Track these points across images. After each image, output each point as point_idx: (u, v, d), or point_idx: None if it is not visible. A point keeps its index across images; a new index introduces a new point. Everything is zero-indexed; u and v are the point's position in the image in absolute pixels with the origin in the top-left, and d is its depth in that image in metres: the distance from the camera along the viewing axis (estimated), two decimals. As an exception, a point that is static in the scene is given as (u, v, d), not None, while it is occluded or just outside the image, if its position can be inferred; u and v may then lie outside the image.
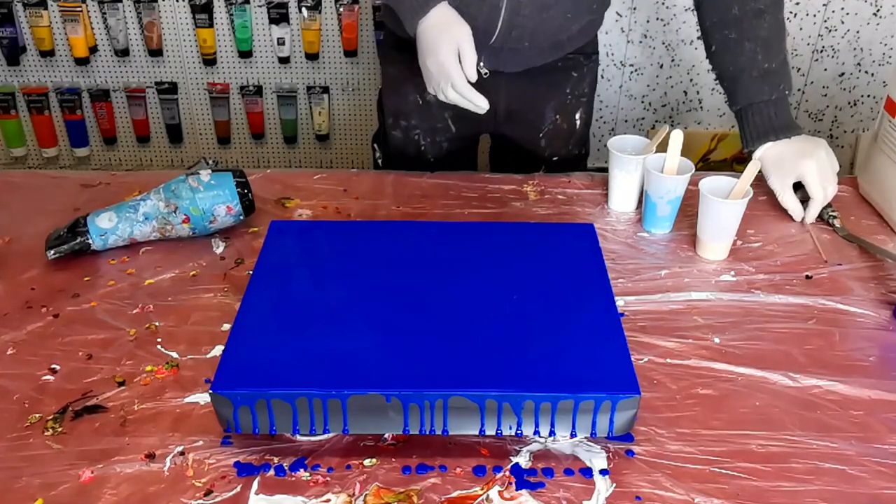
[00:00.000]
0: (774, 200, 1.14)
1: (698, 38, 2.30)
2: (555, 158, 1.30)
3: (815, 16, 2.28)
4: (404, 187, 1.16)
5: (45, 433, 0.75)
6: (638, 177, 1.08)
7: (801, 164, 1.06)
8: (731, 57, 1.11)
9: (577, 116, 1.28)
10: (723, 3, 1.10)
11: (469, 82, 1.02)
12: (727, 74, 1.13)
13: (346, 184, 1.17)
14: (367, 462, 0.72)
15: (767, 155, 1.10)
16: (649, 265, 1.00)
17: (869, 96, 2.40)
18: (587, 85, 1.28)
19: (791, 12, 2.27)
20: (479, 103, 1.03)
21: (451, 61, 1.00)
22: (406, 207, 1.11)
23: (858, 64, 2.35)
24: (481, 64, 1.14)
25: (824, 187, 1.06)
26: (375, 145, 1.37)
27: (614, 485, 0.70)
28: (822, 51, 2.33)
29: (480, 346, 0.74)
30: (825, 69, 2.36)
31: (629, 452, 0.73)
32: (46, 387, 0.80)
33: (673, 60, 2.36)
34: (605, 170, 1.13)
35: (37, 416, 0.77)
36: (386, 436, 0.74)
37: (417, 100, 1.21)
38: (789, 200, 1.08)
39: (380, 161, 1.36)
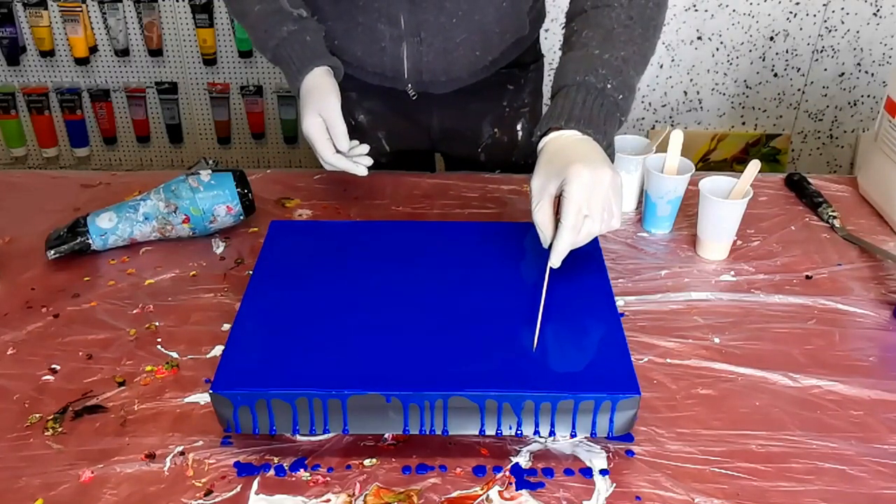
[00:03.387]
0: (774, 200, 1.14)
1: (698, 38, 2.31)
2: (497, 171, 1.23)
3: (815, 16, 2.28)
4: (404, 187, 1.16)
5: (45, 433, 0.75)
6: (638, 177, 1.08)
7: (571, 169, 0.76)
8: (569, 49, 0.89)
9: (519, 128, 1.23)
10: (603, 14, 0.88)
11: (342, 151, 0.98)
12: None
13: (346, 184, 1.17)
14: (367, 462, 0.72)
15: (548, 147, 0.82)
16: (649, 265, 1.00)
17: (869, 96, 2.40)
18: (528, 94, 1.23)
19: (791, 12, 2.27)
20: (355, 172, 0.98)
21: (315, 134, 0.96)
22: (406, 207, 1.11)
23: (858, 64, 2.35)
24: (409, 86, 1.13)
25: (584, 214, 0.76)
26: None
27: (614, 485, 0.70)
28: (822, 51, 2.33)
29: (480, 345, 0.74)
30: (825, 69, 2.36)
31: (629, 452, 0.73)
32: (46, 387, 0.80)
33: (673, 60, 2.36)
34: (605, 170, 1.12)
35: (37, 416, 0.77)
36: (386, 436, 0.74)
37: (350, 121, 1.15)
38: (541, 213, 0.78)
39: None
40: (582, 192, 0.76)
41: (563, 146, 0.81)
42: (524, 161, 1.28)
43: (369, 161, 0.98)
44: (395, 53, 1.08)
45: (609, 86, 0.83)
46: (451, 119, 1.21)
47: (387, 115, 1.21)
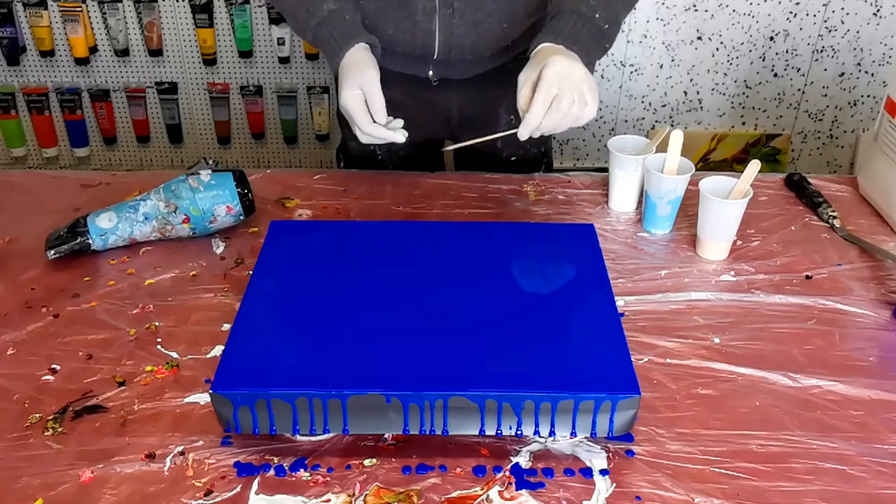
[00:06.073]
0: (774, 200, 1.14)
1: (698, 38, 2.31)
2: (513, 159, 1.28)
3: (815, 16, 2.28)
4: (404, 187, 1.16)
5: (45, 433, 0.75)
6: (638, 177, 1.08)
7: (550, 58, 0.90)
8: None
9: None
10: None
11: (378, 122, 0.99)
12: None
13: (346, 184, 1.17)
14: (367, 462, 0.72)
15: (537, 53, 0.95)
16: (649, 265, 1.00)
17: (869, 96, 2.40)
18: None
19: (791, 12, 2.27)
20: (394, 139, 0.99)
21: (354, 106, 0.98)
22: (406, 207, 1.11)
23: (858, 64, 2.35)
24: (430, 73, 1.16)
25: (555, 93, 0.89)
26: (341, 154, 1.38)
27: (614, 485, 0.70)
28: (822, 51, 2.33)
29: (480, 346, 0.74)
30: (825, 69, 2.36)
31: (629, 452, 0.73)
32: (46, 387, 0.80)
33: (673, 60, 2.36)
34: (605, 170, 1.13)
35: (37, 416, 0.77)
36: (386, 436, 0.74)
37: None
38: (522, 97, 0.93)
39: None
40: (555, 75, 0.89)
41: (550, 51, 0.93)
42: (538, 150, 1.31)
43: (405, 133, 1.00)
44: (428, 27, 1.09)
45: (598, 15, 0.96)
46: (471, 106, 1.23)
47: (406, 104, 1.22)
